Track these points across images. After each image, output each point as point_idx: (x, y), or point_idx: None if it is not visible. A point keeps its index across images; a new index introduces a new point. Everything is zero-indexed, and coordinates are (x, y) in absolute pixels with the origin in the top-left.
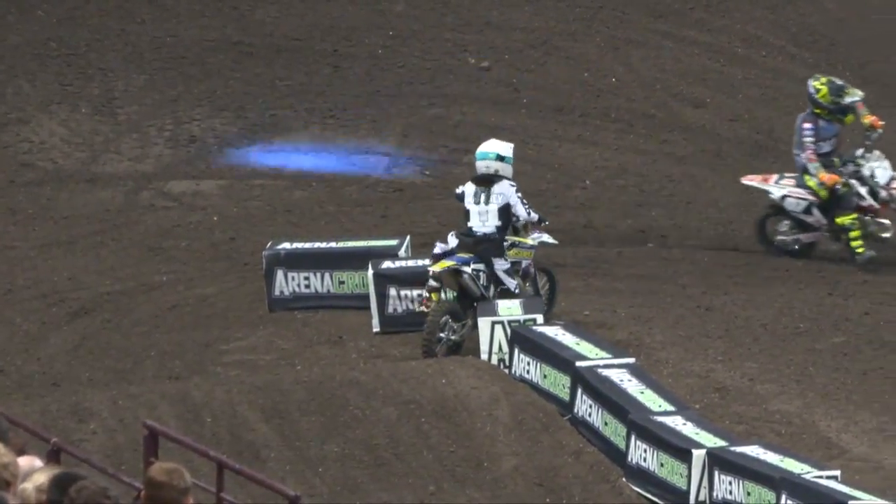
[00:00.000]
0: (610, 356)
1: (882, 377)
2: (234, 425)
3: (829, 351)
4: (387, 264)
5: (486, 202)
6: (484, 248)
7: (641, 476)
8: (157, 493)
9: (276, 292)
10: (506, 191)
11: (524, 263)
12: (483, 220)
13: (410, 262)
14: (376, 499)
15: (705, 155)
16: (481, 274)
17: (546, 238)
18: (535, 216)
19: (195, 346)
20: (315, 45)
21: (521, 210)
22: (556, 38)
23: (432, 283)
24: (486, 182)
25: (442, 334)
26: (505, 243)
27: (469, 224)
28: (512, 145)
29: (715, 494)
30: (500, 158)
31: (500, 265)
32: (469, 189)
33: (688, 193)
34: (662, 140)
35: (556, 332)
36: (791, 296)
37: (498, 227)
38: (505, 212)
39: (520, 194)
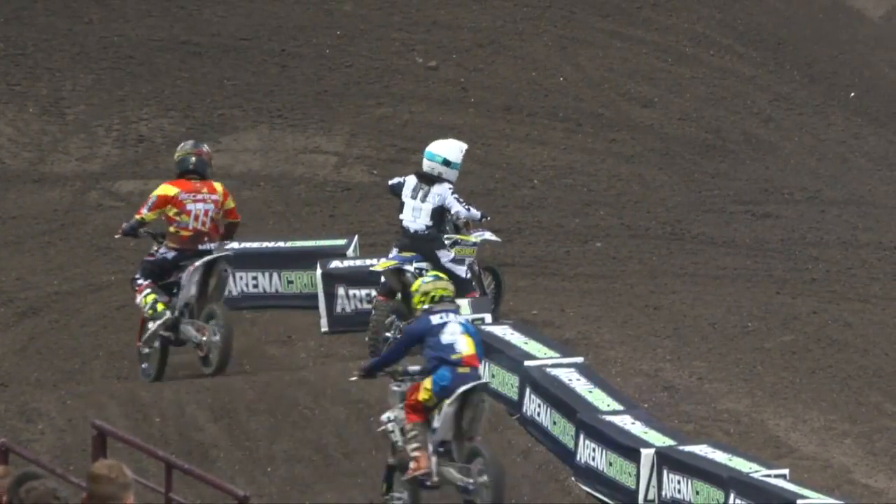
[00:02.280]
0: (558, 355)
1: (830, 376)
2: (183, 425)
3: (778, 350)
4: (335, 264)
5: (423, 199)
6: (422, 244)
7: (590, 475)
8: (96, 488)
9: (225, 292)
10: (443, 192)
11: (468, 261)
12: (416, 215)
13: (359, 262)
14: (325, 499)
15: (653, 154)
16: (424, 272)
17: (489, 235)
18: (476, 213)
19: None
20: (263, 44)
21: (459, 208)
22: (504, 38)
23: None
24: (427, 180)
25: (388, 334)
26: (447, 241)
27: (401, 217)
28: (464, 148)
29: (664, 493)
30: (447, 164)
31: (445, 256)
32: (410, 181)
33: (636, 192)
34: (610, 139)
35: (505, 332)
36: (739, 295)
37: (428, 227)
38: (438, 213)
39: (455, 195)
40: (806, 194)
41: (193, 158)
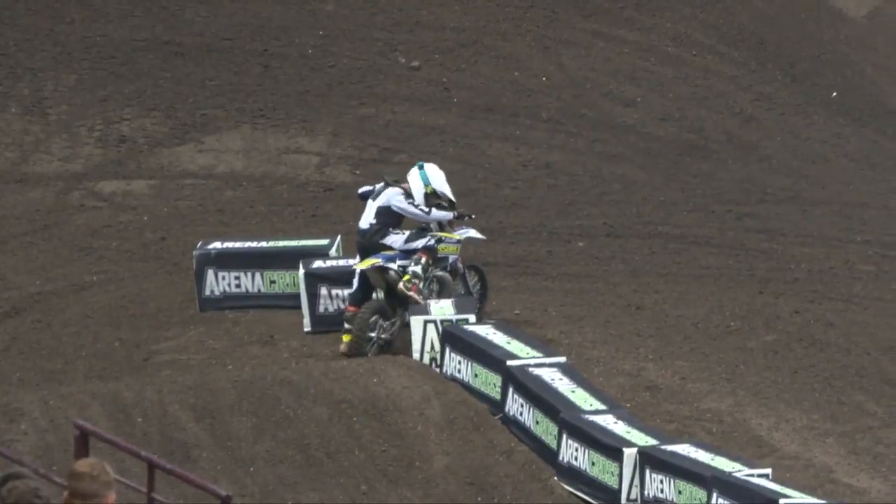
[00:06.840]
0: (541, 355)
1: (812, 375)
2: (165, 425)
3: (760, 349)
4: (318, 264)
5: (374, 200)
6: (367, 240)
7: (573, 475)
8: (78, 485)
9: (207, 292)
10: (390, 196)
11: (451, 259)
12: (367, 215)
13: (341, 262)
14: (308, 498)
15: (636, 154)
16: (406, 270)
17: (472, 233)
18: (440, 213)
19: (126, 346)
20: (245, 44)
21: (408, 211)
22: (487, 38)
23: (346, 325)
24: (386, 185)
25: (372, 333)
26: (431, 241)
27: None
28: (444, 184)
29: (646, 493)
30: (420, 167)
31: (396, 241)
32: (378, 187)
33: (618, 192)
34: (593, 139)
35: (488, 332)
36: (722, 294)
37: (371, 224)
38: (383, 213)
39: (410, 200)
40: (788, 194)
41: None
